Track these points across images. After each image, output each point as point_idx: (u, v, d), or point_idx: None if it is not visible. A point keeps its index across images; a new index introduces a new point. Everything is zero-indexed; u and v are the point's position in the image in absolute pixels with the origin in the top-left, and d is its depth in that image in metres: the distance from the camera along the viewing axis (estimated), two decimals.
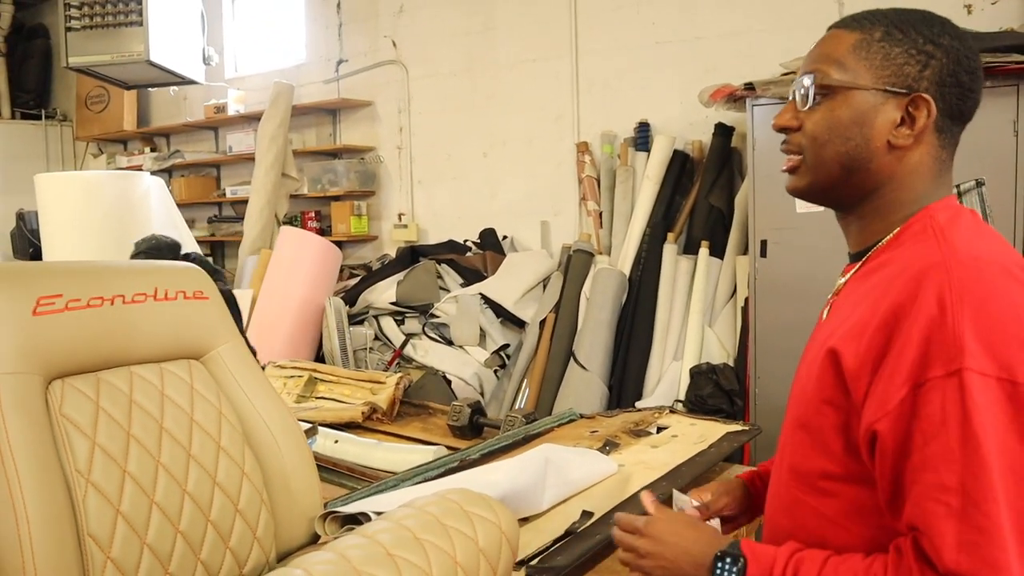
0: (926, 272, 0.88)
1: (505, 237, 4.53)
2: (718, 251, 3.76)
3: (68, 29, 4.32)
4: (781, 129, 1.06)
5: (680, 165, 3.93)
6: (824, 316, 1.07)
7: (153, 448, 1.12)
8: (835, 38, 1.03)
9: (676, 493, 1.25)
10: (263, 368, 2.78)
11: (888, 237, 1.01)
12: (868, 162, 1.00)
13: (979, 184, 2.90)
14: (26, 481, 0.97)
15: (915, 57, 0.98)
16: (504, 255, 4.36)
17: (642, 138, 4.04)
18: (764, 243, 3.25)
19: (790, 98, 1.08)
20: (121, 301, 1.16)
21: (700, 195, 3.84)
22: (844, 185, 1.03)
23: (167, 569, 1.09)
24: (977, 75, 1.00)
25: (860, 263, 1.03)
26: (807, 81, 1.03)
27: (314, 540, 1.32)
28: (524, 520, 1.56)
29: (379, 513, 1.18)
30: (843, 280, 1.06)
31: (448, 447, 2.19)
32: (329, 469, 2.00)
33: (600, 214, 4.18)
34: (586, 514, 1.59)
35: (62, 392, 1.07)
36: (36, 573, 0.94)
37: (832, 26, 1.07)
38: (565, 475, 1.68)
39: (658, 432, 2.16)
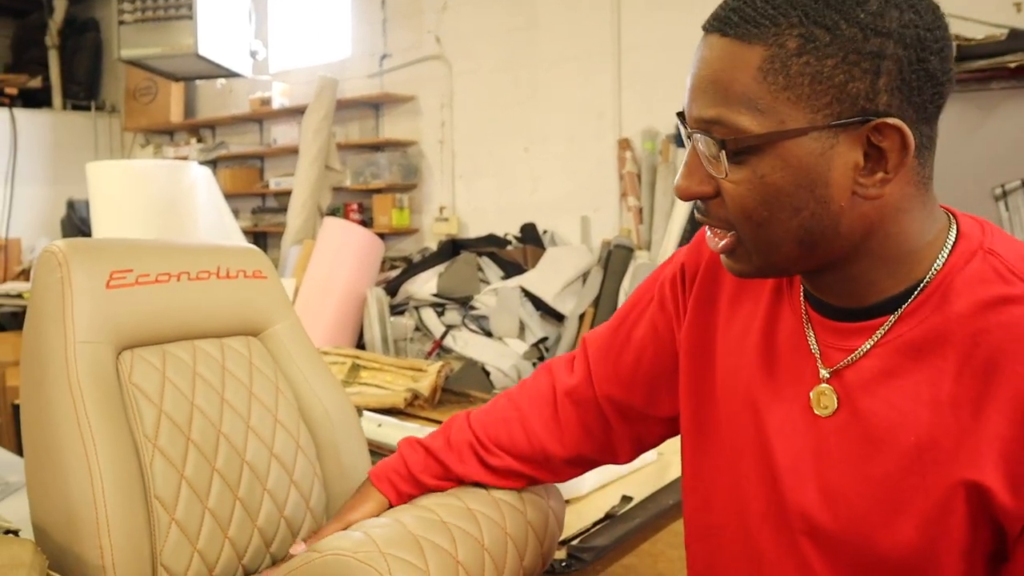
0: None
1: (545, 231, 4.56)
2: None
3: (121, 23, 4.42)
4: (689, 199, 0.76)
5: None
6: (819, 399, 0.78)
7: (215, 418, 1.17)
8: (729, 59, 0.70)
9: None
10: None
11: (919, 294, 0.73)
12: (835, 227, 0.72)
13: None
14: (100, 443, 1.02)
15: (858, 65, 0.67)
16: (544, 249, 4.39)
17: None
18: None
19: (686, 144, 0.76)
20: (187, 278, 1.21)
21: None
22: (809, 259, 0.74)
23: (226, 533, 1.14)
24: (948, 49, 0.70)
25: (883, 331, 0.75)
26: (706, 145, 0.72)
27: None
28: (565, 503, 1.59)
29: None
30: (862, 351, 0.76)
31: None
32: (373, 452, 2.04)
33: (640, 210, 4.19)
34: (625, 499, 1.62)
35: (131, 362, 1.12)
36: (109, 530, 0.99)
37: (712, 29, 0.73)
38: None
39: None
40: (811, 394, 0.79)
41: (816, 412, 0.78)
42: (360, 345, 4.04)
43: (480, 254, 4.32)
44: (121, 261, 1.14)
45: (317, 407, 1.32)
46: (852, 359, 0.76)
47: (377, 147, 5.35)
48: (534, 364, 3.89)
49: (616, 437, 1.08)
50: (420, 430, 2.26)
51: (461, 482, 1.09)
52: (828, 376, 0.78)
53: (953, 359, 0.70)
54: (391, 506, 1.08)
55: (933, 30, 0.69)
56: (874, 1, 0.67)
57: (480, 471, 1.08)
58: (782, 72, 0.68)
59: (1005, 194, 2.85)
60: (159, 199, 3.53)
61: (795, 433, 0.80)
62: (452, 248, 4.51)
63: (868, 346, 0.75)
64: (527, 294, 4.01)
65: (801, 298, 0.83)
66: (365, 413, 2.29)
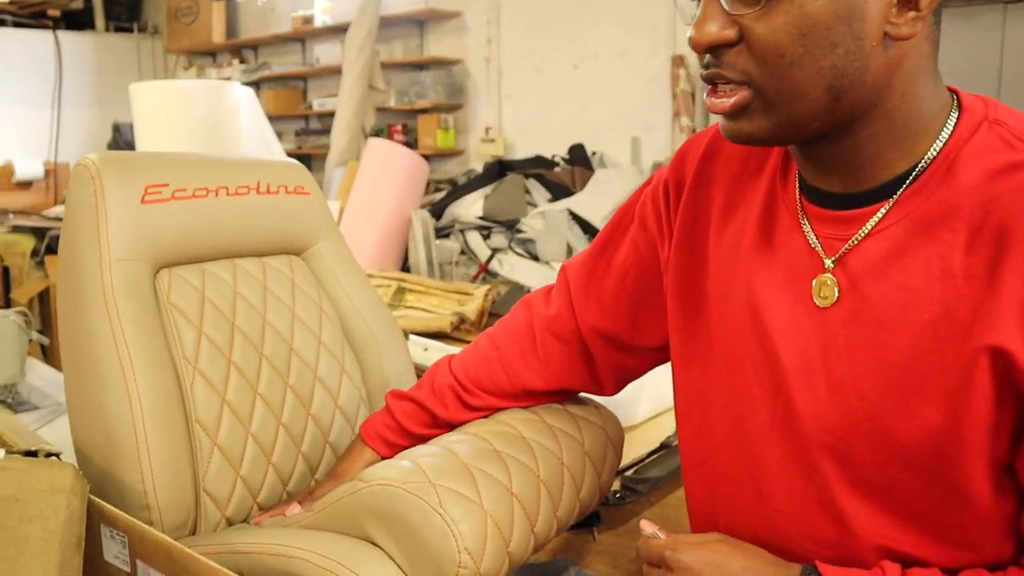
0: None
1: (594, 153, 4.44)
2: None
3: None
4: (708, 48, 0.70)
5: None
6: (824, 285, 0.75)
7: (257, 340, 1.12)
8: None
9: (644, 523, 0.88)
10: None
11: (924, 171, 0.71)
12: (863, 72, 0.67)
13: None
14: (139, 365, 0.97)
15: None
16: (593, 171, 4.27)
17: None
18: None
19: None
20: (225, 193, 1.15)
21: None
22: (832, 112, 0.69)
23: (270, 460, 1.10)
24: None
25: (886, 210, 0.72)
26: None
27: None
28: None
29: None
30: (864, 232, 0.73)
31: None
32: (419, 375, 2.00)
33: (693, 130, 4.05)
34: None
35: (169, 281, 1.07)
36: (150, 455, 0.96)
37: None
38: (661, 387, 1.64)
39: None
40: (813, 283, 0.75)
41: (817, 304, 0.75)
42: (405, 268, 4.00)
43: (527, 176, 4.22)
44: (156, 175, 1.08)
45: (362, 329, 1.27)
46: (854, 242, 0.73)
47: (421, 66, 5.22)
48: None
49: (600, 368, 1.05)
50: None
51: (450, 427, 1.07)
52: (832, 266, 0.74)
53: (963, 230, 0.68)
54: (383, 459, 1.05)
55: None
56: None
57: (462, 412, 1.07)
58: None
59: None
60: (202, 120, 3.49)
61: (800, 331, 0.76)
62: (498, 170, 4.41)
63: (870, 227, 0.72)
64: (575, 217, 3.92)
65: (796, 194, 0.79)
66: (411, 337, 2.26)
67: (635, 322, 0.99)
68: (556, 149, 4.54)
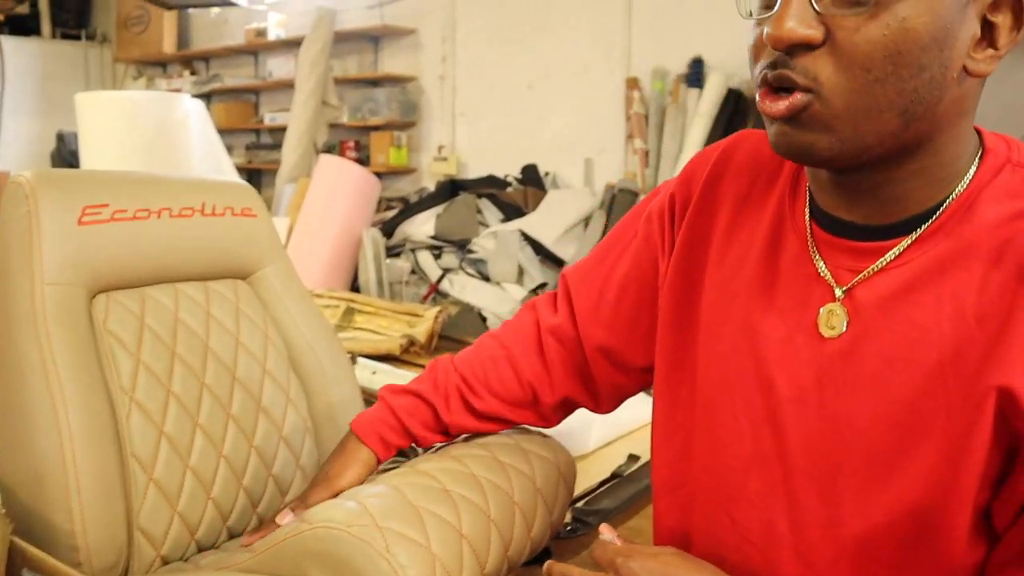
0: None
1: (547, 173, 4.44)
2: None
3: None
4: (790, 45, 0.63)
5: (733, 104, 3.80)
6: (833, 319, 0.72)
7: (198, 368, 1.08)
8: None
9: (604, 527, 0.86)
10: None
11: (944, 210, 0.68)
12: (938, 102, 0.64)
13: None
14: (70, 397, 0.93)
15: None
16: (546, 192, 4.27)
17: (695, 75, 3.91)
18: None
19: None
20: (168, 214, 1.11)
21: None
22: (893, 141, 0.65)
23: (209, 494, 1.06)
24: None
25: (902, 248, 0.69)
26: None
27: None
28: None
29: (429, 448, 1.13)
30: (879, 265, 0.70)
31: None
32: (367, 400, 1.97)
33: (647, 153, 4.07)
34: (632, 457, 1.55)
35: (107, 307, 1.03)
36: (80, 491, 0.91)
37: None
38: (611, 416, 1.63)
39: None
40: (821, 311, 0.72)
41: (823, 333, 0.72)
42: (355, 288, 3.95)
43: (479, 195, 4.21)
44: (95, 195, 1.03)
45: (309, 356, 1.23)
46: (867, 274, 0.71)
47: (375, 82, 5.19)
48: None
49: (598, 383, 1.02)
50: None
51: (448, 431, 1.02)
52: (842, 296, 0.72)
53: (978, 270, 0.66)
54: (379, 461, 1.00)
55: None
56: None
57: (466, 417, 1.02)
58: None
59: None
60: (150, 132, 3.41)
61: (798, 360, 0.73)
62: (451, 189, 4.39)
63: (885, 262, 0.70)
64: (527, 238, 3.91)
65: (806, 220, 0.76)
66: (359, 360, 2.21)
67: (631, 339, 0.96)
68: (509, 169, 4.53)
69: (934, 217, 0.69)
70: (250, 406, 1.13)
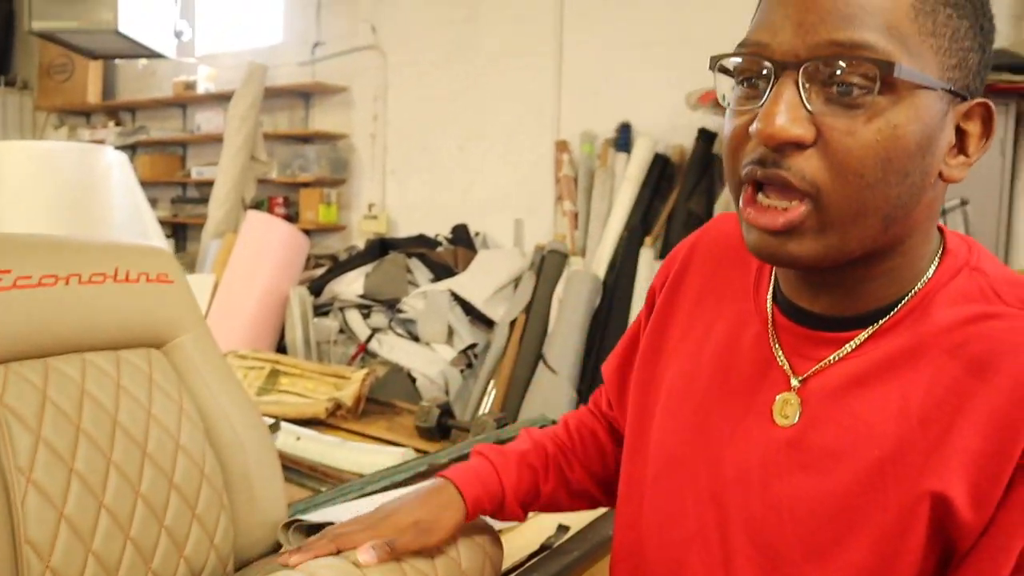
0: None
1: (477, 234, 4.44)
2: None
3: None
4: (780, 145, 0.62)
5: (660, 169, 3.87)
6: (788, 409, 0.72)
7: (105, 444, 1.02)
8: None
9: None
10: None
11: (902, 306, 0.69)
12: (915, 207, 0.65)
13: (963, 204, 2.88)
14: None
15: (977, 38, 0.64)
16: (476, 252, 4.27)
17: (623, 139, 3.98)
18: None
19: (747, 79, 0.66)
20: (77, 281, 1.05)
21: (679, 200, 3.79)
22: (872, 244, 0.66)
23: None
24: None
25: (858, 342, 0.70)
26: (843, 66, 0.61)
27: (276, 549, 1.23)
28: (500, 540, 1.49)
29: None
30: (835, 356, 0.70)
31: (415, 449, 2.10)
32: (291, 468, 1.90)
33: (576, 215, 4.10)
34: (562, 528, 1.52)
35: (5, 379, 0.96)
36: None
37: None
38: None
39: None
40: (776, 399, 0.73)
41: (777, 421, 0.72)
42: (281, 347, 3.87)
43: (409, 255, 4.18)
44: None
45: (226, 430, 1.17)
46: (820, 367, 0.71)
47: (306, 139, 5.15)
48: (462, 371, 3.77)
49: None
50: (341, 443, 2.12)
51: (535, 503, 1.00)
52: (797, 385, 0.72)
53: (926, 372, 0.66)
54: (467, 518, 0.93)
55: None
56: None
57: (559, 489, 1.00)
58: (931, 17, 0.62)
59: (944, 212, 2.84)
60: (70, 185, 3.30)
61: (747, 443, 0.74)
62: (380, 247, 4.36)
63: (840, 355, 0.70)
64: (457, 298, 3.89)
65: (768, 305, 0.77)
66: (283, 425, 2.14)
67: None
68: (439, 228, 4.53)
69: (892, 313, 0.69)
70: (161, 483, 1.06)
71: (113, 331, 1.10)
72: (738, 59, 0.67)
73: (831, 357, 0.71)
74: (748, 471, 0.73)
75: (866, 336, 0.69)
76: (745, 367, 0.77)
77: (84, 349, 1.06)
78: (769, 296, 0.78)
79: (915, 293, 0.69)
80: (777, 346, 0.75)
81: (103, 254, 1.10)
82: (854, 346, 0.70)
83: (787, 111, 0.61)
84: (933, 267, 0.70)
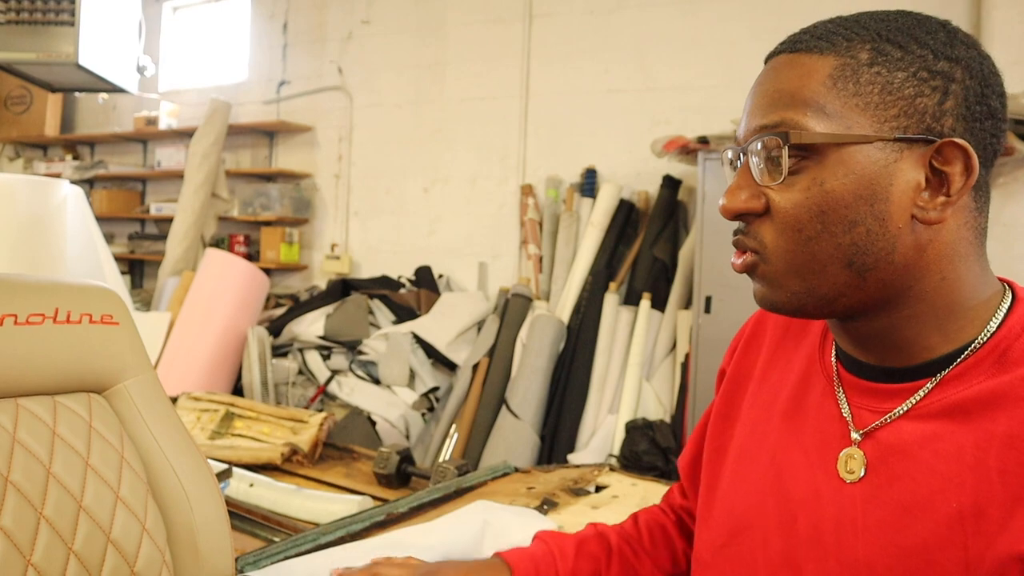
0: None
1: (441, 276, 4.40)
2: (659, 304, 3.69)
3: None
4: (737, 215, 0.72)
5: (625, 215, 3.87)
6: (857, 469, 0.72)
7: (36, 498, 0.95)
8: (797, 70, 0.69)
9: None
10: (175, 400, 2.59)
11: (970, 355, 0.68)
12: (890, 252, 0.67)
13: None
14: None
15: (928, 82, 0.66)
16: (439, 294, 4.23)
17: (588, 185, 3.98)
18: (709, 299, 3.20)
19: (732, 163, 0.76)
20: (13, 322, 0.99)
21: (644, 246, 3.78)
22: (859, 288, 0.69)
23: None
24: (1005, 97, 0.70)
25: (924, 392, 0.70)
26: (765, 148, 0.69)
27: None
28: None
29: None
30: (901, 410, 0.71)
31: (374, 496, 2.03)
32: (243, 517, 1.82)
33: (540, 259, 4.08)
34: None
35: None
36: None
37: (781, 51, 0.73)
38: (504, 537, 1.54)
39: (597, 491, 2.04)
40: (840, 455, 0.73)
41: (843, 477, 0.73)
42: (238, 388, 3.77)
43: (371, 296, 4.13)
44: None
45: (171, 482, 1.11)
46: (887, 419, 0.71)
47: (269, 177, 5.10)
48: (423, 415, 3.70)
49: None
50: (296, 491, 2.04)
51: None
52: (859, 439, 0.73)
53: (1005, 423, 0.65)
54: None
55: (995, 73, 0.69)
56: (942, 33, 0.68)
57: None
58: (852, 79, 0.67)
59: None
60: (22, 218, 3.20)
61: (819, 502, 0.74)
62: (342, 288, 4.30)
63: (907, 408, 0.70)
64: (419, 341, 3.83)
65: (832, 359, 0.79)
66: (236, 471, 2.06)
67: None
68: (402, 270, 4.48)
69: (957, 362, 0.69)
70: (97, 539, 0.99)
71: (51, 375, 1.03)
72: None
73: (897, 410, 0.71)
74: (822, 531, 0.72)
75: (932, 386, 0.70)
76: (813, 423, 0.77)
77: (18, 394, 1.00)
78: (833, 353, 0.79)
79: (984, 342, 0.68)
80: (843, 399, 0.76)
81: (43, 294, 1.04)
82: (920, 396, 0.70)
83: (740, 188, 0.72)
84: (1000, 316, 0.70)
